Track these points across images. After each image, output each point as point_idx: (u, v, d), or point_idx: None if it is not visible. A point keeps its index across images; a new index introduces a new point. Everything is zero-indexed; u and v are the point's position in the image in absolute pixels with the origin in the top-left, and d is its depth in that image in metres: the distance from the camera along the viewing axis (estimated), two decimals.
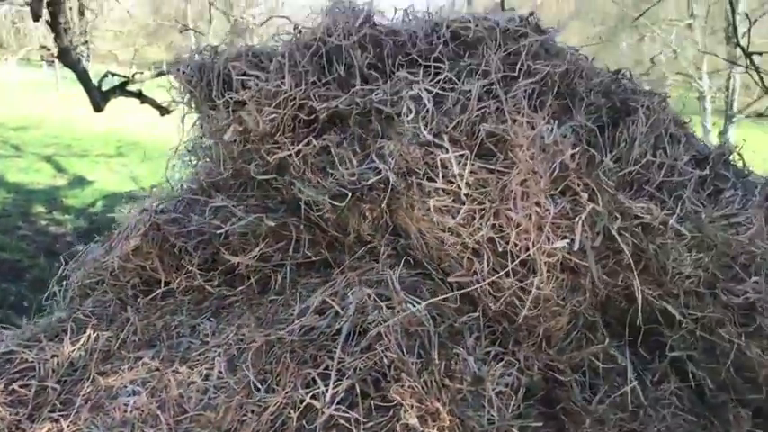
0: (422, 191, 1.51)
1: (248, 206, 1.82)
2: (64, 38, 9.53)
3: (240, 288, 1.86)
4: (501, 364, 1.50)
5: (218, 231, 1.77)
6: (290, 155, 1.61)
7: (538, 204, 1.38)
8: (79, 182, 12.47)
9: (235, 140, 1.71)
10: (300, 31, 1.71)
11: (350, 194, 1.55)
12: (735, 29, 6.18)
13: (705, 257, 1.60)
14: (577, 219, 1.38)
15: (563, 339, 1.59)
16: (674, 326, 1.67)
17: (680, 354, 1.67)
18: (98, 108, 8.95)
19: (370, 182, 1.53)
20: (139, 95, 9.11)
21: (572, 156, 1.37)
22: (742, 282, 1.67)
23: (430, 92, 1.52)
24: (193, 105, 1.78)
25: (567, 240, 1.36)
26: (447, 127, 1.48)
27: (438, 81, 1.55)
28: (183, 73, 1.70)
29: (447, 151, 1.46)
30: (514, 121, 1.43)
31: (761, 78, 6.37)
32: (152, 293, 1.94)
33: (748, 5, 20.16)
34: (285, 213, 1.80)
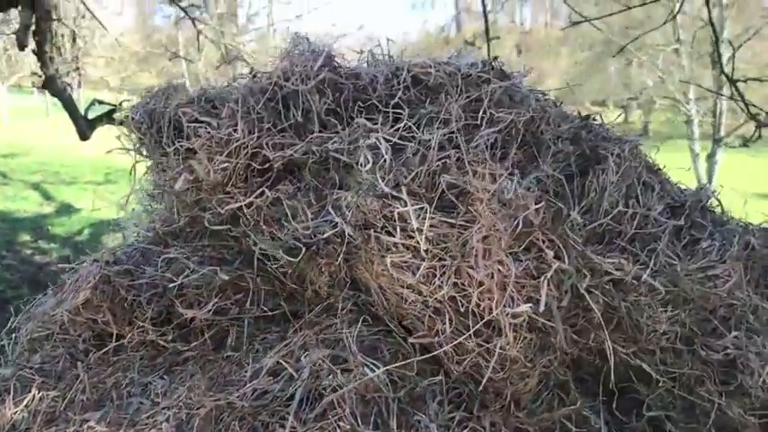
0: (380, 245, 1.42)
1: (204, 257, 1.73)
2: (50, 66, 9.49)
3: (195, 343, 1.76)
4: (466, 431, 1.40)
5: (171, 285, 1.67)
6: (243, 206, 1.53)
7: (500, 263, 1.29)
8: (66, 209, 12.35)
9: (188, 189, 1.62)
10: (255, 75, 1.63)
11: (304, 249, 1.46)
12: (719, 56, 6.17)
13: (681, 313, 1.51)
14: (543, 278, 1.29)
15: (533, 401, 1.50)
16: (650, 384, 1.58)
17: (657, 413, 1.58)
18: (84, 137, 8.88)
19: (325, 235, 1.45)
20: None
21: (536, 210, 1.29)
22: (721, 337, 1.58)
23: (388, 141, 1.44)
24: (145, 152, 1.69)
25: (530, 304, 1.27)
26: (406, 178, 1.39)
27: (397, 129, 1.47)
28: (133, 119, 1.62)
29: (405, 204, 1.38)
30: (475, 173, 1.35)
31: (746, 105, 6.35)
32: (105, 348, 1.84)
33: (732, 31, 20.45)
34: (242, 264, 1.70)
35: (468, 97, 1.48)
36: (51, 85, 9.23)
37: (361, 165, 1.43)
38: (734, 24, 20.49)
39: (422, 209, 1.37)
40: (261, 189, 1.51)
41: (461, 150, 1.39)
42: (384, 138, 1.43)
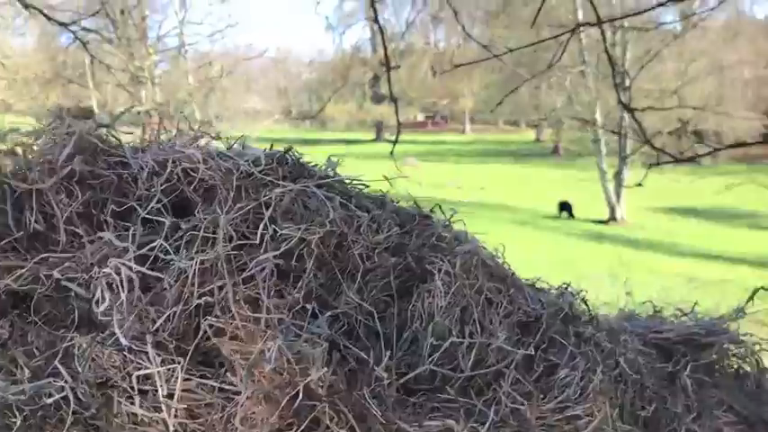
0: (124, 416, 1.03)
1: None
2: None
3: None
4: None
5: None
6: None
7: None
8: None
9: None
10: None
11: (20, 418, 1.05)
12: (616, 86, 6.10)
13: None
14: None
15: None
16: None
17: None
18: None
19: (50, 401, 1.04)
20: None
21: (321, 376, 0.93)
22: None
23: (135, 268, 1.06)
24: None
25: None
26: (153, 323, 1.01)
27: (152, 249, 1.09)
28: None
29: (152, 360, 0.99)
30: (247, 319, 0.98)
31: (643, 133, 6.33)
32: None
33: (634, 53, 21.14)
34: None
35: (244, 207, 1.11)
36: None
37: (96, 303, 1.04)
38: (635, 47, 21.33)
39: (172, 368, 0.99)
40: None
41: (229, 282, 1.02)
42: (127, 264, 1.05)
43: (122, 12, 18.59)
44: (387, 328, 1.13)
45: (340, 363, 0.97)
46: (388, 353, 1.08)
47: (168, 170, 1.17)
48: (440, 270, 1.17)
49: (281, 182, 1.14)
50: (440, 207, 1.37)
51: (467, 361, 1.16)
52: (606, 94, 21.72)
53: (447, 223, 1.34)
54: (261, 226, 1.08)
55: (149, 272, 1.05)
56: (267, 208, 1.10)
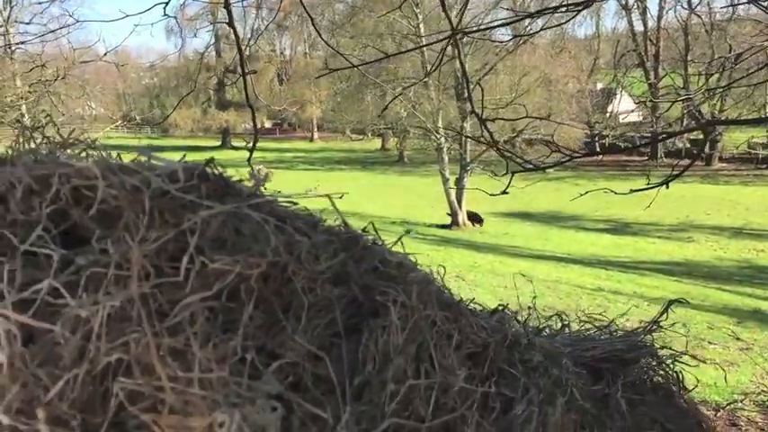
0: None
1: None
2: None
3: None
4: None
5: None
6: None
7: None
8: None
9: None
10: None
11: None
12: (469, 97, 6.23)
13: None
14: None
15: None
16: None
17: None
18: None
19: None
20: None
21: None
22: None
23: (15, 318, 0.79)
24: None
25: None
26: (45, 392, 0.76)
27: (37, 292, 0.83)
28: None
29: None
30: (177, 379, 0.75)
31: (495, 142, 6.53)
32: None
33: (471, 66, 22.16)
34: None
35: (162, 235, 0.88)
36: None
37: None
38: (472, 61, 22.40)
39: None
40: None
41: (149, 332, 0.79)
42: (4, 314, 0.78)
43: None
44: (337, 375, 0.95)
45: (299, 429, 0.78)
46: (347, 408, 0.90)
47: (54, 189, 0.90)
48: (395, 302, 1.00)
49: (205, 202, 0.91)
50: (373, 226, 1.21)
51: (426, 405, 1.01)
52: (447, 104, 22.62)
53: (380, 244, 1.17)
54: (185, 259, 0.86)
55: (36, 323, 0.79)
56: (191, 235, 0.88)
